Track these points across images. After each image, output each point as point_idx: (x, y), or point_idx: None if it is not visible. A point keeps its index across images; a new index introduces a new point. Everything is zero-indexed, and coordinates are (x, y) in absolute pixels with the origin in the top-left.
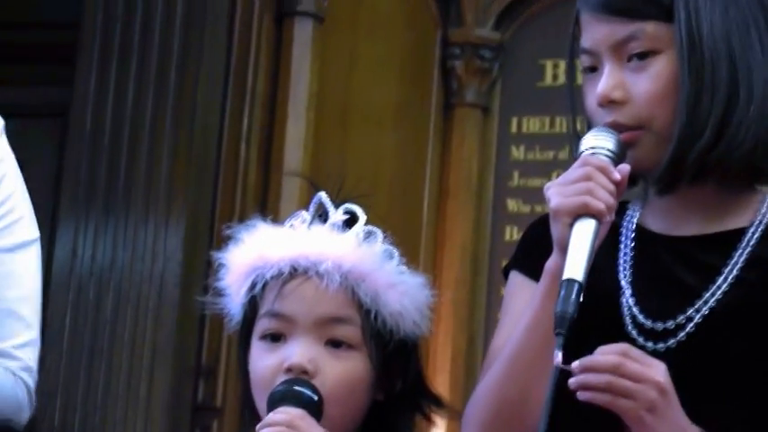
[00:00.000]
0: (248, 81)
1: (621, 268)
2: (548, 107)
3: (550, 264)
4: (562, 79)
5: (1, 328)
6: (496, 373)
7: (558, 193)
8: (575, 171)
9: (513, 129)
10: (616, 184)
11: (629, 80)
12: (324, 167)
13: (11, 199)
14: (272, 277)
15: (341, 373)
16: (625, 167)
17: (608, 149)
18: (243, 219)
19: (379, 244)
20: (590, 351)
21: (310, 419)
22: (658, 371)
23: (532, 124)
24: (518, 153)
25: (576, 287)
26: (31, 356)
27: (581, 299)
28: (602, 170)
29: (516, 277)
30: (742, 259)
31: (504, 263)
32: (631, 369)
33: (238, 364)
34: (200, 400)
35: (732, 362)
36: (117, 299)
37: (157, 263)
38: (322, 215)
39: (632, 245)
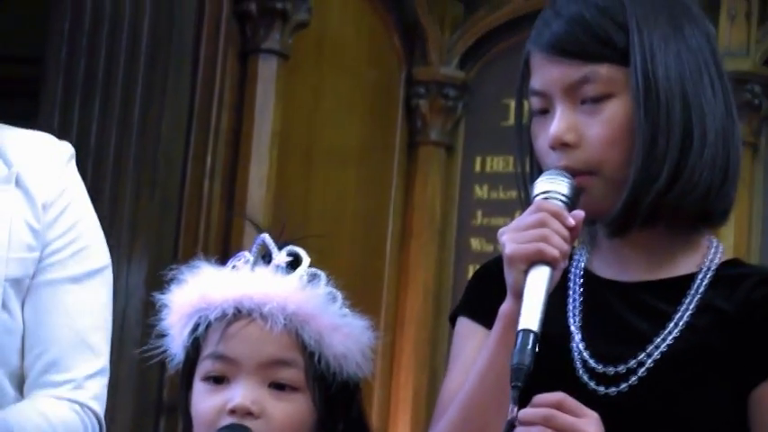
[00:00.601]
0: (212, 118)
1: (571, 314)
2: (511, 146)
3: (504, 309)
4: (526, 119)
5: (71, 358)
6: (451, 419)
7: (512, 239)
8: (529, 217)
9: (477, 168)
10: (570, 229)
11: (582, 123)
12: (287, 205)
13: (76, 227)
14: (215, 318)
15: (285, 415)
16: (579, 213)
17: (562, 194)
18: (207, 254)
19: (323, 286)
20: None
21: None
22: (590, 422)
23: (496, 163)
24: (481, 192)
25: (532, 337)
26: (99, 385)
27: (536, 349)
28: (557, 216)
29: (464, 323)
30: (692, 306)
31: None
32: (562, 421)
33: (179, 404)
34: None
35: (682, 406)
36: None
37: (119, 300)
38: (265, 256)
39: (581, 290)
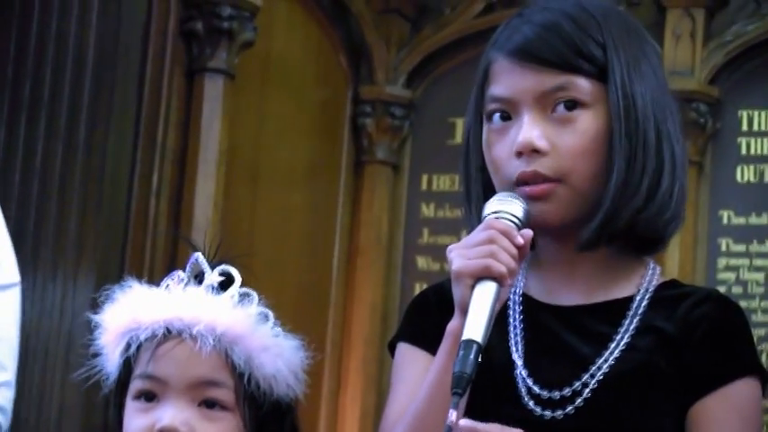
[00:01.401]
0: (158, 136)
1: (513, 341)
2: (457, 165)
3: (452, 326)
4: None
5: None
6: None
7: (460, 255)
8: (478, 234)
9: (424, 186)
10: (518, 248)
11: (552, 131)
12: (234, 224)
13: None
14: (146, 339)
15: None
16: (528, 232)
17: (512, 214)
18: (152, 275)
19: (254, 306)
20: (491, 422)
21: None
22: None
23: (443, 182)
24: (428, 210)
25: (474, 348)
26: (3, 398)
27: (480, 359)
28: (506, 234)
29: (405, 348)
30: (632, 327)
31: None
32: None
33: (111, 423)
34: None
35: (627, 425)
36: (24, 355)
37: (65, 319)
38: (198, 276)
39: (521, 317)
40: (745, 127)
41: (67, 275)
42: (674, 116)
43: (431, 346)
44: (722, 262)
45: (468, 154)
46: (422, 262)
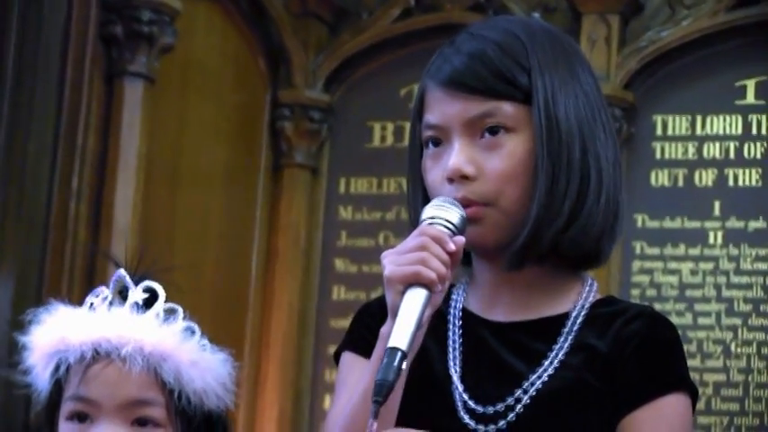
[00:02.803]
0: (78, 140)
1: (451, 356)
2: (375, 168)
3: (384, 330)
4: (390, 141)
5: None
6: None
7: (392, 261)
8: (410, 240)
9: (342, 189)
10: (450, 254)
11: (480, 157)
12: (153, 227)
13: None
14: (75, 361)
15: None
16: (460, 239)
17: (446, 220)
18: (72, 278)
19: (180, 322)
20: None
21: None
22: None
23: (360, 185)
24: (346, 213)
25: (398, 355)
26: None
27: (403, 367)
28: (437, 240)
29: (348, 357)
30: (566, 344)
31: (332, 322)
32: None
33: None
34: None
35: None
36: None
37: None
38: (122, 292)
39: (460, 331)
40: (659, 131)
41: None
42: (607, 133)
43: (371, 353)
44: (637, 265)
45: (411, 161)
46: (340, 264)
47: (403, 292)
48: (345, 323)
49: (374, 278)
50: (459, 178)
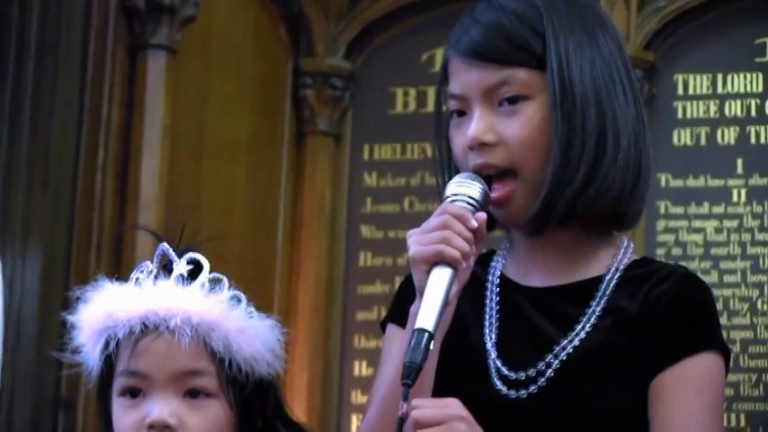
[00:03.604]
0: (103, 113)
1: (487, 323)
2: (399, 134)
3: (413, 309)
4: (413, 107)
5: None
6: (369, 418)
7: (416, 241)
8: (433, 219)
9: (366, 156)
10: (473, 231)
11: (500, 124)
12: (179, 198)
13: None
14: (124, 336)
15: (203, 422)
16: (482, 215)
17: (469, 196)
18: (100, 251)
19: (225, 291)
20: (461, 400)
21: None
22: (456, 405)
23: (384, 151)
24: (370, 180)
25: (425, 336)
26: None
27: (431, 347)
28: (459, 218)
29: (391, 329)
30: (599, 308)
31: (360, 288)
32: (430, 414)
33: (99, 419)
34: (60, 431)
35: (589, 404)
36: None
37: (14, 296)
38: (166, 265)
39: (497, 298)
40: (680, 91)
41: (15, 254)
42: (627, 96)
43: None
44: (661, 224)
45: (437, 126)
46: (366, 230)
47: (428, 272)
48: (372, 289)
49: (400, 243)
50: (478, 146)
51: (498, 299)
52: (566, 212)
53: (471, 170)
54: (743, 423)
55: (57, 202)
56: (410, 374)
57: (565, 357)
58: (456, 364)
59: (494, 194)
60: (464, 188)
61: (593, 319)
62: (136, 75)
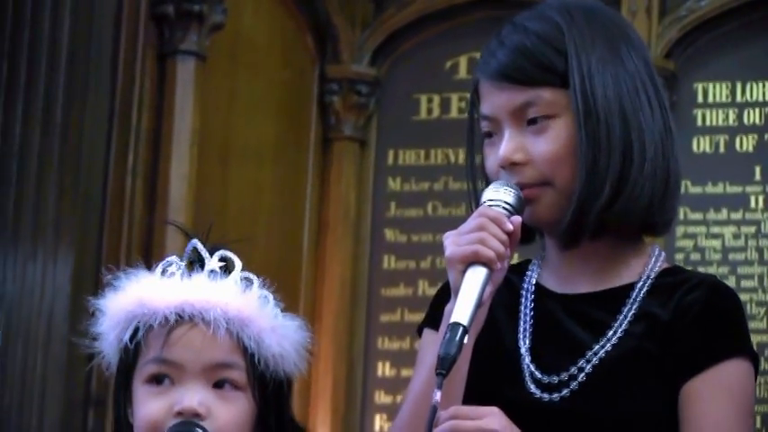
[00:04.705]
0: (133, 118)
1: (522, 328)
2: (423, 140)
3: (448, 308)
4: (436, 113)
5: None
6: (405, 412)
7: (453, 242)
8: (470, 222)
9: (390, 161)
10: (509, 234)
11: (529, 143)
12: (206, 201)
13: None
14: (157, 324)
15: (229, 414)
16: (517, 218)
17: (505, 202)
18: (129, 252)
19: (257, 289)
20: (495, 405)
21: None
22: (493, 419)
23: (408, 156)
24: (394, 184)
25: (460, 330)
26: None
27: (465, 341)
28: (495, 221)
29: (427, 333)
30: (630, 314)
31: (383, 291)
32: (466, 427)
33: (116, 404)
34: (89, 429)
35: (619, 408)
36: (6, 333)
37: (46, 296)
38: (195, 261)
39: (531, 305)
40: (700, 99)
41: (47, 254)
42: (653, 105)
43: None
44: (680, 230)
45: (469, 135)
46: (390, 234)
47: (464, 272)
48: (396, 292)
49: (423, 247)
50: (509, 166)
51: (533, 305)
52: (597, 225)
53: None
54: (758, 425)
55: (87, 204)
56: (444, 365)
57: (597, 362)
58: (491, 368)
59: (524, 191)
60: (500, 194)
61: (624, 325)
62: (165, 80)
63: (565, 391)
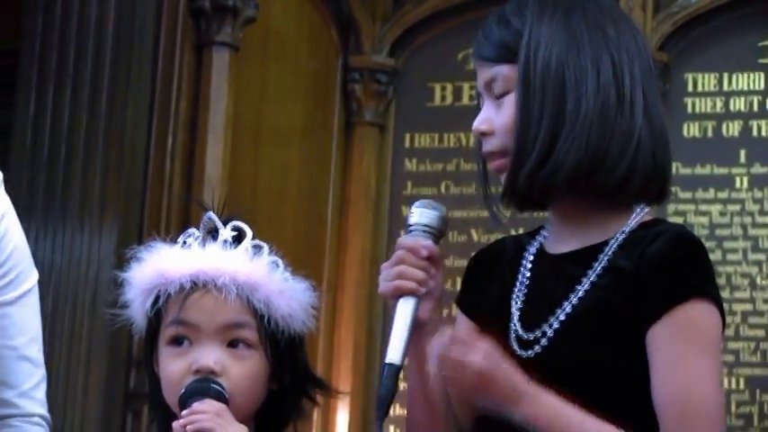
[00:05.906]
0: (171, 105)
1: (517, 289)
2: (437, 124)
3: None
4: (449, 100)
5: (17, 374)
6: (406, 417)
7: (382, 278)
8: (393, 255)
9: (407, 144)
10: (428, 258)
11: (493, 115)
12: (239, 180)
13: (14, 255)
14: (174, 291)
15: (243, 371)
16: (430, 245)
17: (424, 225)
18: (168, 227)
19: (266, 256)
20: None
21: (229, 412)
22: (477, 352)
23: (423, 140)
24: (411, 165)
25: (393, 370)
26: (42, 392)
27: (399, 379)
28: (411, 251)
29: (459, 311)
30: (600, 268)
31: None
32: (453, 356)
33: (145, 365)
34: (131, 387)
35: (589, 359)
36: (56, 299)
37: (92, 266)
38: (211, 232)
39: (530, 266)
40: (690, 88)
41: (93, 228)
42: (601, 81)
43: (467, 310)
44: (671, 207)
45: (481, 166)
46: (406, 211)
47: (394, 306)
48: None
49: None
50: (479, 135)
51: (531, 266)
52: (526, 190)
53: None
54: (742, 386)
55: (130, 183)
56: (381, 407)
57: (564, 317)
58: (492, 329)
59: (495, 162)
60: (421, 218)
61: (592, 278)
62: (202, 69)
63: (536, 347)
